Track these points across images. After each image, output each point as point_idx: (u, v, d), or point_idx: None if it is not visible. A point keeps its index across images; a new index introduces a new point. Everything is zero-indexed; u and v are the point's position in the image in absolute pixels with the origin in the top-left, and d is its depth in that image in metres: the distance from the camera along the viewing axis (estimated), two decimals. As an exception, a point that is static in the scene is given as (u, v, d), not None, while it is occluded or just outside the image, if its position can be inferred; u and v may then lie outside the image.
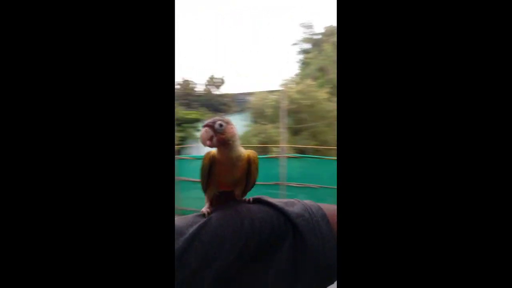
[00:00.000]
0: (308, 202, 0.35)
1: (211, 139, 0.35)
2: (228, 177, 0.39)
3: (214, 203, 0.40)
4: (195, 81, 16.47)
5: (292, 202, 0.35)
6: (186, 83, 16.05)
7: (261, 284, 0.29)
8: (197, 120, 10.38)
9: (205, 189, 0.41)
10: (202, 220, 0.33)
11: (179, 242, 0.29)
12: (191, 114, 10.63)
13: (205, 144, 0.36)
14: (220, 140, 0.36)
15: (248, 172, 0.39)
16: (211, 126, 0.36)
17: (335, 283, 0.26)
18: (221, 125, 0.36)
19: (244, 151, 0.39)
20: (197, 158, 4.73)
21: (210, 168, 0.39)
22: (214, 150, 0.39)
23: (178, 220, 0.34)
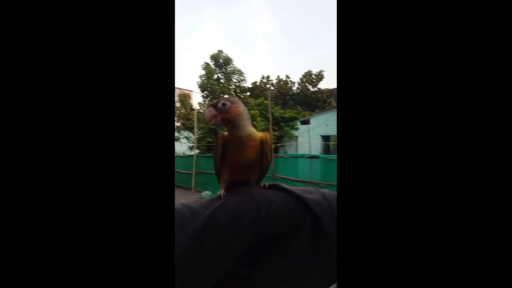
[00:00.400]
0: (326, 191, 0.34)
1: (214, 117, 0.35)
2: (240, 157, 0.38)
3: (229, 189, 0.38)
4: (291, 79, 16.75)
5: (310, 190, 0.34)
6: (282, 82, 16.54)
7: (278, 270, 0.29)
8: (293, 119, 10.49)
9: (219, 172, 0.40)
10: (218, 203, 0.32)
11: (195, 223, 0.29)
12: (287, 112, 10.82)
13: (207, 123, 0.36)
14: (224, 119, 0.36)
15: (261, 155, 0.39)
16: (214, 105, 0.36)
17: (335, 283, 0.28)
18: (224, 104, 0.36)
19: (256, 132, 0.38)
20: (294, 157, 4.77)
21: (222, 149, 0.39)
22: (226, 131, 0.39)
23: (193, 203, 0.33)
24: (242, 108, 0.38)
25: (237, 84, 12.03)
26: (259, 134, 0.39)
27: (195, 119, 7.19)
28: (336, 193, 0.32)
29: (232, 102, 0.37)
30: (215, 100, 0.39)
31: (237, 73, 11.90)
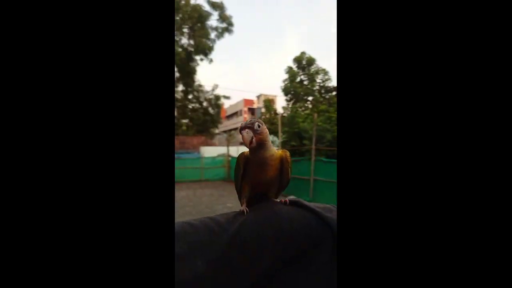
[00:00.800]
0: None
1: (252, 140, 0.36)
2: (262, 176, 0.39)
3: (251, 204, 0.39)
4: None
5: (330, 208, 0.35)
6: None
7: (299, 284, 0.30)
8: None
9: (240, 189, 0.42)
10: (242, 218, 0.33)
11: (223, 238, 0.30)
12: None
13: (249, 145, 0.36)
14: (259, 140, 0.37)
15: (281, 172, 0.40)
16: (251, 127, 0.37)
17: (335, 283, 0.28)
18: (259, 126, 0.37)
19: (276, 151, 0.40)
20: (331, 161, 4.57)
21: (244, 168, 0.40)
22: (247, 151, 0.39)
23: (219, 216, 0.35)
24: (266, 128, 0.39)
25: (321, 84, 11.52)
26: (278, 152, 0.40)
27: (279, 123, 7.26)
28: None
29: (263, 123, 0.38)
30: (248, 122, 0.38)
31: (321, 73, 11.40)
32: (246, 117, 25.33)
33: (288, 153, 0.41)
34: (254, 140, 0.37)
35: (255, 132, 0.37)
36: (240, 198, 0.42)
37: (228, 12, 12.53)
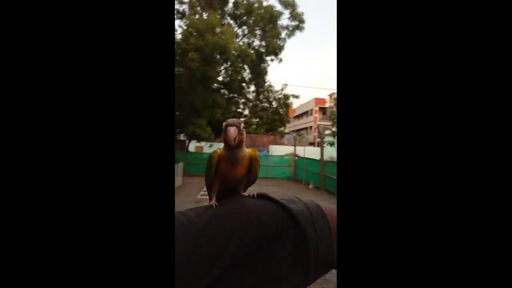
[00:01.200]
0: (308, 201, 0.37)
1: (236, 138, 0.38)
2: (232, 174, 0.42)
3: (220, 198, 0.41)
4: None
5: (293, 200, 0.37)
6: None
7: (264, 270, 0.32)
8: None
9: (210, 186, 0.44)
10: (211, 211, 0.35)
11: (192, 229, 0.32)
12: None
13: (232, 142, 0.38)
14: (240, 140, 0.39)
15: (250, 169, 0.43)
16: (238, 126, 0.39)
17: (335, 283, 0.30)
18: (243, 127, 0.40)
19: (247, 150, 0.42)
20: None
21: (216, 166, 0.42)
22: (220, 149, 0.42)
23: (189, 210, 0.36)
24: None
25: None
26: (249, 151, 0.43)
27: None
28: (316, 203, 0.37)
29: (244, 126, 0.41)
30: (235, 121, 0.40)
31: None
32: (316, 116, 24.46)
33: (257, 153, 0.44)
34: (237, 139, 0.38)
35: (239, 131, 0.39)
36: (209, 193, 0.44)
37: (300, 9, 12.30)
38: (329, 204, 0.37)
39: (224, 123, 0.40)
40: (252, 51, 12.75)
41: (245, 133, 0.41)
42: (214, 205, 0.38)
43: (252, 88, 13.92)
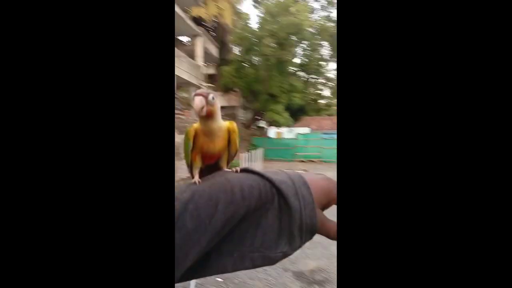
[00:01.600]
0: (290, 171, 0.39)
1: (204, 108, 0.38)
2: (211, 147, 0.42)
3: (203, 175, 0.41)
4: None
5: (276, 172, 0.38)
6: None
7: (251, 241, 0.33)
8: None
9: (190, 162, 0.44)
10: (195, 187, 0.36)
11: (176, 206, 0.32)
12: None
13: (199, 112, 0.38)
14: (209, 112, 0.39)
15: (229, 142, 0.44)
16: (205, 96, 0.39)
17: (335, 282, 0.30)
18: (213, 98, 0.39)
19: (223, 122, 0.43)
20: None
21: (194, 141, 0.43)
22: (196, 124, 0.43)
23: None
24: (219, 103, 0.42)
25: None
26: (226, 124, 0.43)
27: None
28: (298, 173, 0.38)
29: (216, 97, 0.40)
30: (203, 91, 0.40)
31: None
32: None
33: (234, 125, 0.44)
34: (204, 109, 0.38)
35: (207, 102, 0.38)
36: (191, 171, 0.44)
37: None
38: (311, 174, 0.38)
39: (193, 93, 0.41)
40: (331, 24, 11.62)
41: (217, 104, 0.41)
42: (197, 182, 0.38)
43: (334, 65, 12.84)
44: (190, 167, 0.44)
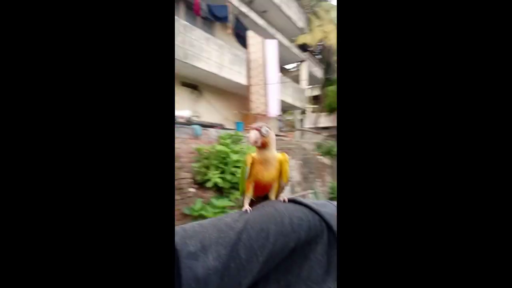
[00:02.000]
0: (336, 203, 0.38)
1: (258, 140, 0.42)
2: (265, 175, 0.44)
3: (253, 205, 0.42)
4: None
5: (325, 204, 0.38)
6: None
7: (298, 272, 0.33)
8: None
9: (244, 190, 0.46)
10: (246, 216, 0.36)
11: (230, 235, 0.33)
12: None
13: (252, 143, 0.42)
14: (264, 142, 0.43)
15: (281, 173, 0.45)
16: (259, 130, 0.42)
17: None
18: (267, 131, 0.42)
19: (277, 153, 0.45)
20: None
21: (250, 168, 0.44)
22: (253, 153, 0.45)
23: (225, 216, 0.37)
24: (274, 134, 0.45)
25: None
26: (279, 155, 0.46)
27: None
28: None
29: (270, 129, 0.44)
30: (258, 125, 0.44)
31: None
32: None
33: (286, 156, 0.47)
34: (260, 141, 0.43)
35: (261, 134, 0.43)
36: (242, 199, 0.46)
37: None
38: None
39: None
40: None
41: (271, 135, 0.45)
42: (248, 210, 0.39)
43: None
44: (243, 194, 0.47)
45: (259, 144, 0.43)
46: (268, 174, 0.45)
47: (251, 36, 6.16)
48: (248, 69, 6.14)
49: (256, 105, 6.26)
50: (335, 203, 0.39)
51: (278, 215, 0.35)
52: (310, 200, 0.40)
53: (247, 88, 6.29)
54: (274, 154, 0.45)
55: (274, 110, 6.42)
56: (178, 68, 5.41)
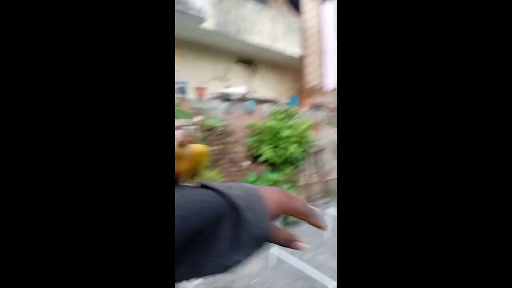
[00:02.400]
0: (247, 185, 0.40)
1: (184, 140, 0.44)
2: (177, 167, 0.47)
3: None
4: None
5: (233, 186, 0.41)
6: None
7: (209, 252, 0.36)
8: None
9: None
10: None
11: None
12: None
13: (180, 143, 0.44)
14: (189, 142, 0.45)
15: (195, 163, 0.47)
16: (187, 130, 0.45)
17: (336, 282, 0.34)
18: (195, 129, 0.45)
19: (194, 146, 0.46)
20: None
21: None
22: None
23: None
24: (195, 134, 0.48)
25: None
26: (196, 147, 0.47)
27: None
28: (254, 186, 0.39)
29: (196, 128, 0.46)
30: (186, 122, 0.48)
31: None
32: None
33: (204, 148, 0.50)
34: (186, 140, 0.46)
35: (190, 135, 0.47)
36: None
37: None
38: (266, 187, 0.40)
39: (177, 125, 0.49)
40: None
41: (195, 135, 0.48)
42: None
43: None
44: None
45: (185, 143, 0.44)
46: (178, 167, 0.46)
47: (307, 1, 5.69)
48: (303, 38, 5.78)
49: (311, 78, 5.94)
50: (245, 185, 0.40)
51: (188, 200, 0.37)
52: (221, 183, 0.42)
53: (301, 59, 5.98)
54: (190, 149, 0.47)
55: (331, 83, 5.99)
56: (232, 45, 5.48)
